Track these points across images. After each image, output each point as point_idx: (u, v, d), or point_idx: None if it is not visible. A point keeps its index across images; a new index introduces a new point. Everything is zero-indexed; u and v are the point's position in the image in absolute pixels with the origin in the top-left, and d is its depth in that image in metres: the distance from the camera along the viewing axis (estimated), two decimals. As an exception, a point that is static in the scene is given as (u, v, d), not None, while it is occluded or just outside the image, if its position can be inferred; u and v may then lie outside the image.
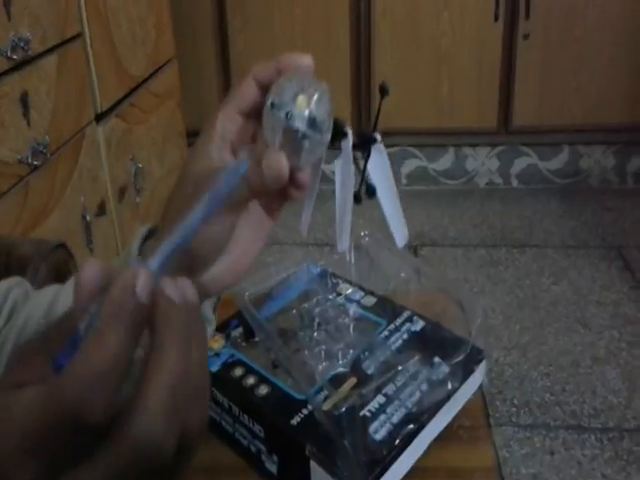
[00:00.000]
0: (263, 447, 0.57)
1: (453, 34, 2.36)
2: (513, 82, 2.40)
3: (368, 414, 0.54)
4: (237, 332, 0.65)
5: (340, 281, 0.70)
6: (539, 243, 2.21)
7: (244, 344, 0.64)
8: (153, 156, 1.85)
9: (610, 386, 1.58)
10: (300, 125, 0.38)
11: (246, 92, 0.42)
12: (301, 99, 0.38)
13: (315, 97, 0.38)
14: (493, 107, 2.45)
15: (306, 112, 0.38)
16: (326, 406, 0.55)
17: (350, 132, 0.43)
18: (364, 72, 2.42)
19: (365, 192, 0.46)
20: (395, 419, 0.54)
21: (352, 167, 0.45)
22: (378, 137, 0.45)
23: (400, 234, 0.48)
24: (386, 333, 0.63)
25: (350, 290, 0.68)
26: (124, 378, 0.27)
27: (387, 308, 0.66)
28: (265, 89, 0.41)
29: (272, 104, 0.38)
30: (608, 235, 2.22)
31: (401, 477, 0.53)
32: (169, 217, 0.42)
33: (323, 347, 0.57)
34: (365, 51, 2.39)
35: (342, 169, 0.45)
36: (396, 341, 0.62)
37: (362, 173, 0.46)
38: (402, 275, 0.62)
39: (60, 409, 0.25)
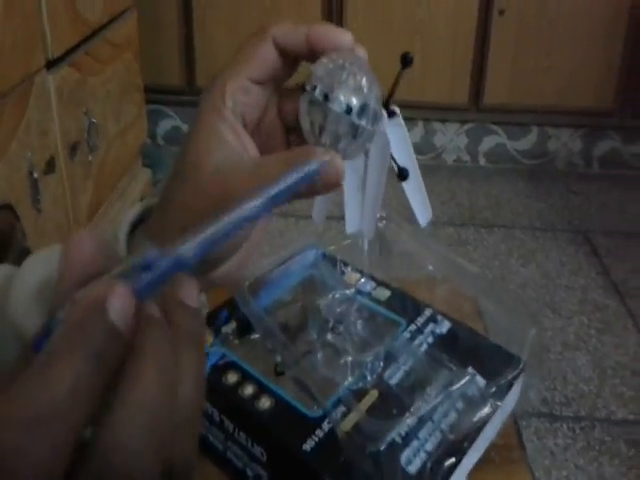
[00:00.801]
0: (264, 473, 0.47)
1: (428, 4, 2.26)
2: (486, 58, 2.32)
3: (398, 439, 0.44)
4: (229, 328, 0.54)
5: (349, 269, 0.60)
6: (507, 224, 2.16)
7: (236, 341, 0.54)
8: (108, 111, 1.69)
9: (581, 373, 1.55)
10: (363, 121, 0.33)
11: (264, 57, 0.34)
12: (363, 90, 0.33)
13: (370, 86, 0.33)
14: (465, 83, 2.37)
15: (367, 106, 0.33)
16: (345, 426, 0.45)
17: (385, 113, 0.38)
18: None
19: (397, 175, 0.41)
20: (429, 446, 0.44)
21: (390, 150, 0.39)
22: (397, 110, 0.40)
23: (423, 213, 0.44)
24: (407, 335, 0.54)
25: (362, 280, 0.58)
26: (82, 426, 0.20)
27: (406, 304, 0.56)
28: (289, 58, 0.34)
29: (326, 96, 0.32)
30: (575, 219, 2.19)
31: (439, 518, 0.44)
32: (174, 217, 0.34)
33: (349, 358, 0.47)
34: (337, 17, 2.26)
35: (377, 152, 0.39)
36: (420, 345, 0.52)
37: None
38: (429, 268, 0.53)
39: None
